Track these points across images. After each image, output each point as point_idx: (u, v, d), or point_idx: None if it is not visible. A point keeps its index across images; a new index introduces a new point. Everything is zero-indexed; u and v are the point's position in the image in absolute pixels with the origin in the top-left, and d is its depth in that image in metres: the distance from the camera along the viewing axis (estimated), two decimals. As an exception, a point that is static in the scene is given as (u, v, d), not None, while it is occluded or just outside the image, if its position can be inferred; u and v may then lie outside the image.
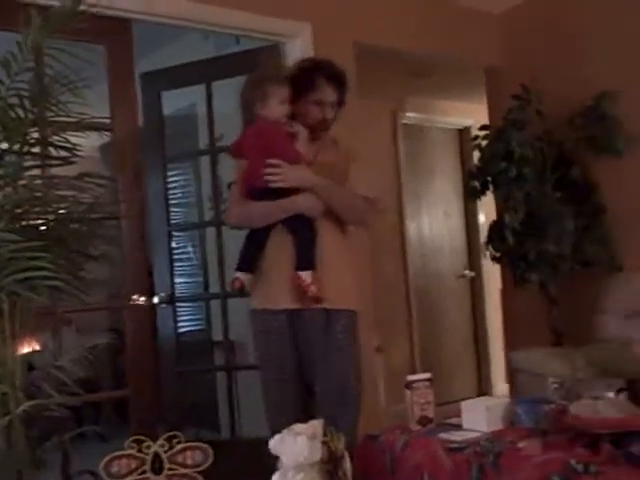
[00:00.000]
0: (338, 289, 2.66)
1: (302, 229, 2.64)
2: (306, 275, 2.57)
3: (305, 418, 2.16)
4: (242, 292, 2.73)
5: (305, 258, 2.61)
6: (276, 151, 2.60)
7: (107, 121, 3.18)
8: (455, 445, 2.06)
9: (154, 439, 2.16)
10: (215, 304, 4.06)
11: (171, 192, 3.98)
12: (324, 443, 2.05)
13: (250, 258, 2.71)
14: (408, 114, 5.62)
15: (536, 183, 4.01)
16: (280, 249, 2.65)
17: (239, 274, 2.70)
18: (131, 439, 2.17)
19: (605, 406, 1.93)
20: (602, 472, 1.71)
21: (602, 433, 1.81)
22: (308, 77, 2.73)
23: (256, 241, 2.71)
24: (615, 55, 4.04)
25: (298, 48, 3.60)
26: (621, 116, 3.94)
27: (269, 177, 2.58)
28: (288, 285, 2.61)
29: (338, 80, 2.75)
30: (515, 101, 4.08)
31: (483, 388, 5.87)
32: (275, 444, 2.05)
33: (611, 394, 2.04)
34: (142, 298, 3.19)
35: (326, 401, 2.62)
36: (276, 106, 2.60)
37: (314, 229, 2.65)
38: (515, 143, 3.96)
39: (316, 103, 2.72)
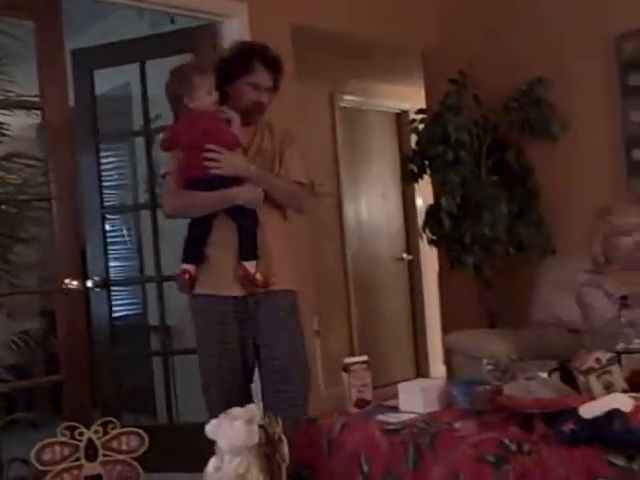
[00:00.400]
0: (277, 272, 2.70)
1: (244, 219, 2.65)
2: (250, 265, 2.61)
3: (243, 402, 2.17)
4: (192, 284, 2.72)
5: (249, 248, 2.63)
6: (213, 139, 2.59)
7: (36, 100, 3.08)
8: (392, 427, 2.07)
9: (89, 425, 2.12)
10: (151, 288, 4.01)
11: (105, 173, 3.91)
12: (261, 427, 2.04)
13: (195, 249, 2.71)
14: (346, 97, 5.61)
15: (472, 167, 4.05)
16: (224, 236, 2.66)
17: (186, 266, 2.70)
18: (64, 425, 2.12)
19: (538, 386, 1.96)
20: (535, 450, 1.74)
21: (535, 413, 1.84)
22: (244, 60, 2.72)
23: (200, 231, 2.71)
24: (550, 41, 4.10)
25: (234, 28, 3.55)
26: (555, 101, 4.01)
27: (208, 163, 2.57)
28: (232, 272, 2.62)
29: (274, 65, 2.75)
30: (452, 85, 4.11)
31: (421, 370, 5.95)
32: (212, 428, 2.03)
33: (544, 375, 2.08)
34: (75, 282, 3.11)
35: (273, 379, 2.66)
36: (204, 96, 2.60)
37: (256, 218, 2.66)
38: (452, 127, 3.99)
39: (251, 86, 2.71)
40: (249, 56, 2.73)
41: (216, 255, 2.69)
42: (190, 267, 2.71)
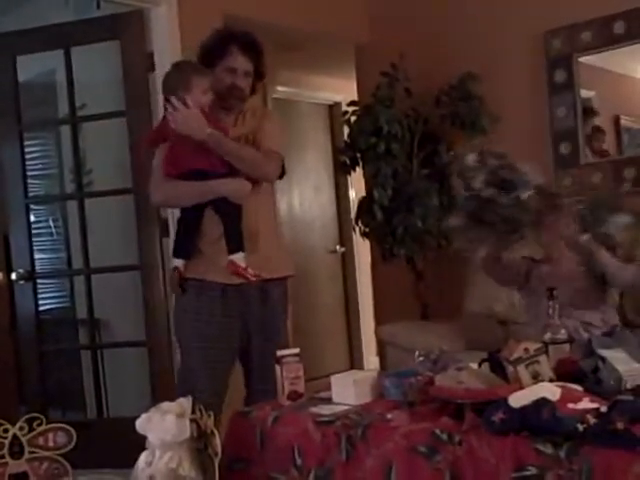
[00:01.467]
0: (274, 257, 2.79)
1: (228, 212, 2.68)
2: (239, 259, 2.64)
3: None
4: (181, 280, 2.72)
5: (235, 241, 2.67)
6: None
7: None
8: (324, 419, 2.07)
9: (14, 422, 2.06)
10: (79, 280, 3.92)
11: (29, 163, 3.80)
12: (193, 421, 2.01)
13: (186, 243, 2.73)
14: (279, 88, 5.57)
15: (404, 159, 4.09)
16: (212, 230, 2.70)
17: (177, 262, 2.72)
18: (-14, 422, 2.06)
19: (468, 377, 1.99)
20: (466, 440, 1.76)
21: (466, 403, 1.86)
22: (221, 45, 2.76)
23: (190, 225, 2.73)
24: (481, 36, 4.16)
25: (162, 16, 3.48)
26: (485, 95, 4.06)
27: (167, 114, 2.62)
28: (222, 262, 2.66)
29: (252, 49, 2.78)
30: (384, 78, 4.13)
31: (355, 362, 5.98)
32: (142, 423, 2.00)
33: (474, 365, 2.11)
34: (-2, 275, 3.02)
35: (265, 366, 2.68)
36: (199, 95, 2.64)
37: (240, 212, 2.69)
38: (383, 119, 4.01)
39: (227, 70, 2.74)
40: (226, 40, 2.76)
41: (207, 249, 2.72)
42: (180, 263, 2.72)
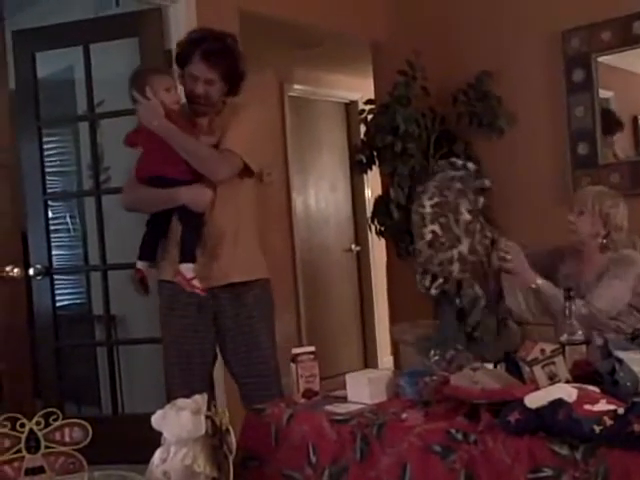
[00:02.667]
0: (251, 260, 2.76)
1: (187, 219, 2.65)
2: (187, 269, 2.60)
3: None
4: (142, 282, 2.72)
5: (187, 251, 2.63)
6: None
7: (-25, 82, 2.99)
8: (339, 417, 2.07)
9: (31, 417, 2.07)
10: (95, 277, 3.94)
11: (47, 159, 3.82)
12: (208, 417, 2.02)
13: (151, 245, 2.72)
14: (295, 86, 5.58)
15: (421, 158, 4.08)
16: (176, 235, 2.68)
17: (140, 264, 2.71)
18: (3, 417, 2.07)
19: (483, 377, 1.98)
20: (481, 440, 1.76)
21: (481, 403, 1.86)
22: (187, 50, 2.72)
23: (157, 228, 2.72)
24: (499, 34, 4.14)
25: (181, 13, 3.49)
26: (503, 95, 4.05)
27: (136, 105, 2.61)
28: (198, 268, 2.63)
29: (216, 57, 2.69)
30: (400, 77, 4.12)
31: (369, 361, 5.97)
32: (157, 419, 2.00)
33: (490, 365, 2.10)
34: (16, 270, 3.03)
35: (244, 371, 2.76)
36: (162, 93, 2.62)
37: (200, 220, 2.66)
38: (400, 118, 4.01)
39: (190, 77, 2.71)
40: (191, 47, 2.72)
41: (171, 253, 2.70)
42: (143, 265, 2.71)
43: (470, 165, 2.72)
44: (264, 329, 2.81)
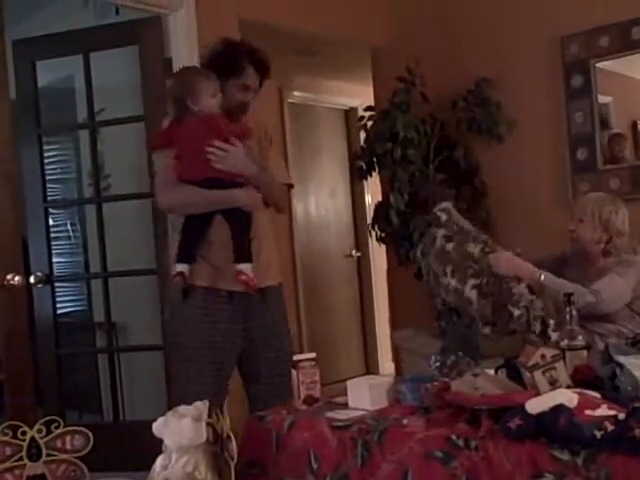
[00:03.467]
0: (268, 266, 2.81)
1: (239, 222, 2.69)
2: (247, 268, 2.65)
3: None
4: (186, 287, 2.70)
5: (243, 251, 2.68)
6: (221, 136, 2.63)
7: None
8: (340, 423, 2.07)
9: (32, 424, 2.07)
10: (96, 284, 3.95)
11: (48, 167, 3.83)
12: (209, 424, 2.02)
13: (190, 249, 2.71)
14: (295, 93, 5.59)
15: (420, 165, 4.08)
16: (221, 237, 2.69)
17: (181, 267, 2.68)
18: (5, 424, 2.07)
19: (484, 383, 1.98)
20: (482, 446, 1.76)
21: (482, 409, 1.86)
22: (235, 61, 2.76)
23: (197, 231, 2.71)
24: (498, 40, 4.16)
25: (181, 21, 3.49)
26: (502, 101, 4.06)
27: (210, 156, 2.60)
28: (230, 271, 2.66)
29: (263, 67, 2.80)
30: (400, 83, 4.13)
31: (370, 367, 5.97)
32: (159, 426, 2.01)
33: (491, 371, 2.10)
34: (17, 278, 3.03)
35: (270, 371, 2.78)
36: (208, 99, 2.64)
37: (250, 222, 2.71)
38: (400, 125, 4.01)
39: (240, 87, 2.75)
40: (241, 57, 2.76)
41: (214, 255, 2.71)
42: (184, 267, 2.69)
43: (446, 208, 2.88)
44: (285, 330, 2.89)
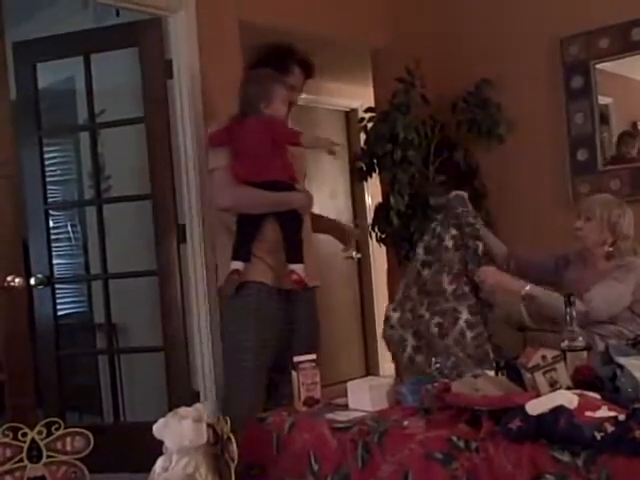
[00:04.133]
0: (312, 267, 2.93)
1: (293, 223, 2.80)
2: (299, 269, 2.77)
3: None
4: (240, 283, 2.79)
5: (296, 251, 2.79)
6: (281, 142, 2.79)
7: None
8: (341, 425, 2.07)
9: (33, 426, 2.07)
10: (96, 285, 3.94)
11: (48, 169, 3.82)
12: (209, 426, 2.02)
13: (245, 246, 2.79)
14: (296, 94, 5.59)
15: (421, 166, 4.08)
16: (274, 237, 2.80)
17: (237, 264, 2.76)
18: (5, 426, 2.07)
19: (485, 384, 1.98)
20: (482, 448, 1.76)
21: (483, 410, 1.86)
22: (282, 62, 2.88)
23: (250, 231, 2.79)
24: (497, 42, 4.15)
25: (181, 23, 3.49)
26: (502, 102, 4.06)
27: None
28: (281, 270, 2.79)
29: (309, 67, 2.95)
30: (400, 84, 4.13)
31: (370, 368, 5.96)
32: (159, 428, 2.01)
33: (491, 372, 2.10)
34: (17, 279, 3.03)
35: None
36: (279, 105, 2.79)
37: (301, 224, 2.83)
38: (400, 126, 4.01)
39: (287, 87, 2.85)
40: (288, 59, 2.89)
41: (264, 254, 2.81)
42: (240, 265, 2.77)
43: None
44: (319, 332, 3.05)
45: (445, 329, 2.65)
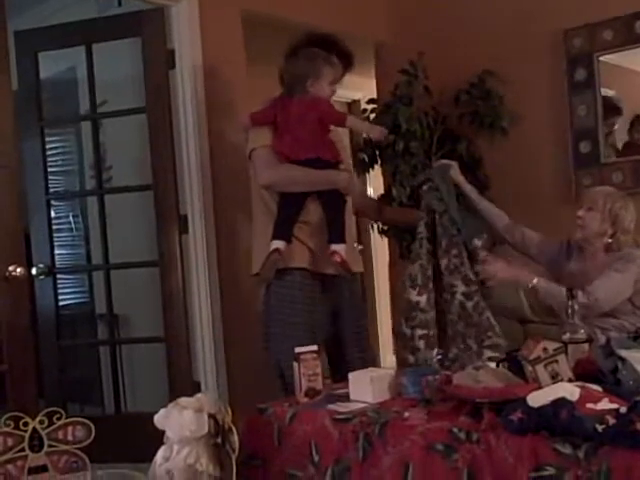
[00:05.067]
0: (351, 252, 2.91)
1: (336, 204, 2.78)
2: (341, 249, 2.74)
3: None
4: (279, 262, 2.77)
5: (338, 232, 2.76)
6: (327, 121, 2.80)
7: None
8: (342, 416, 2.07)
9: (34, 416, 2.08)
10: (98, 276, 3.95)
11: (50, 159, 3.82)
12: (211, 416, 2.02)
13: (287, 226, 2.78)
14: (298, 85, 5.57)
15: (423, 157, 4.07)
16: (316, 218, 2.79)
17: (278, 243, 2.74)
18: (7, 416, 2.08)
19: (486, 376, 1.98)
20: (483, 439, 1.76)
21: (484, 402, 1.86)
22: (324, 52, 2.88)
23: (292, 210, 2.79)
24: (500, 34, 4.13)
25: (183, 13, 3.48)
26: (505, 94, 4.05)
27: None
28: (323, 253, 2.77)
29: (349, 60, 2.96)
30: (403, 76, 4.12)
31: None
32: (160, 418, 2.01)
33: (492, 364, 2.10)
34: (19, 269, 3.03)
35: (358, 352, 2.90)
36: (326, 86, 2.82)
37: (344, 204, 2.81)
38: (402, 117, 4.00)
39: (335, 70, 2.89)
40: (329, 50, 2.89)
41: (308, 236, 2.80)
42: (281, 244, 2.75)
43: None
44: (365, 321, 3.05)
45: (447, 305, 2.66)
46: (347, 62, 2.95)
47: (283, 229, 2.77)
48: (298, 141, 2.74)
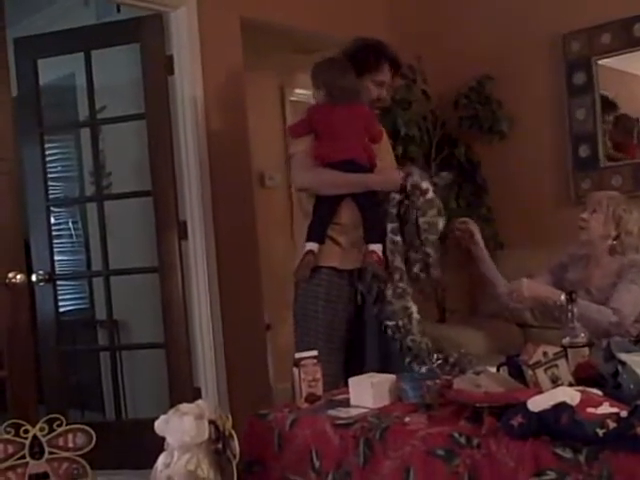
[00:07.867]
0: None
1: (371, 204, 2.83)
2: (379, 249, 2.79)
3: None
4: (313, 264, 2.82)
5: (377, 232, 2.82)
6: (369, 131, 2.86)
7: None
8: (342, 421, 2.07)
9: (34, 422, 2.07)
10: (98, 282, 3.95)
11: (50, 165, 3.83)
12: (211, 422, 2.02)
13: (320, 228, 2.83)
14: (296, 91, 5.57)
15: (422, 162, 4.07)
16: (352, 219, 2.83)
17: (312, 245, 2.80)
18: (7, 423, 2.08)
19: (486, 380, 1.98)
20: (484, 444, 1.76)
21: (484, 406, 1.85)
22: (372, 58, 2.96)
23: (327, 212, 2.83)
24: (499, 38, 4.15)
25: (182, 19, 3.49)
26: (504, 98, 4.06)
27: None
28: (355, 252, 2.83)
29: (398, 64, 3.02)
30: (401, 80, 4.12)
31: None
32: (160, 424, 2.01)
33: (493, 369, 2.10)
34: (19, 276, 3.04)
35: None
36: (373, 88, 2.92)
37: (380, 205, 2.84)
38: (401, 122, 4.01)
39: (376, 83, 2.95)
40: (377, 55, 2.96)
41: (340, 237, 2.84)
42: (315, 246, 2.80)
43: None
44: None
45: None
46: (396, 67, 3.03)
47: (317, 231, 2.83)
48: (334, 144, 2.79)
